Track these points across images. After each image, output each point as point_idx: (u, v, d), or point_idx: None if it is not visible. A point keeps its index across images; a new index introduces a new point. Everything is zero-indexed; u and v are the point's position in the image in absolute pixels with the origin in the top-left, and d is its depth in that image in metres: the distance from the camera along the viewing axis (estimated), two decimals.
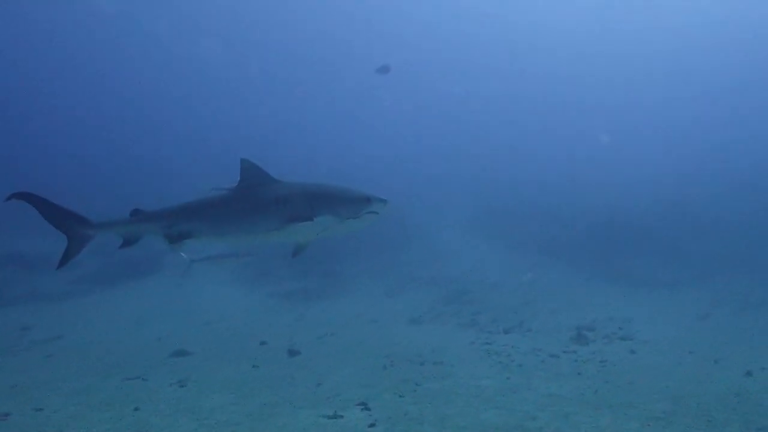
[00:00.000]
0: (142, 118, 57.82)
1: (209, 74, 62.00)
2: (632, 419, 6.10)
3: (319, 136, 53.77)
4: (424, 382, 7.80)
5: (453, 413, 6.33)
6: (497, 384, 7.64)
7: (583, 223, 20.90)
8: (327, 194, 6.91)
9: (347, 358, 9.40)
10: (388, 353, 9.65)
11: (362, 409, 6.54)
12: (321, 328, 12.05)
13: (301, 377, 8.26)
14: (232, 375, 8.45)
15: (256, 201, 6.93)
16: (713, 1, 56.78)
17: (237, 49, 61.21)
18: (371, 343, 10.55)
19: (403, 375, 8.20)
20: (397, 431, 5.82)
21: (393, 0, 61.34)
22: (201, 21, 58.48)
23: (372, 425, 5.98)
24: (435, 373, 8.26)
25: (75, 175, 35.90)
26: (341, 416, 6.28)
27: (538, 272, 17.91)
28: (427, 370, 8.53)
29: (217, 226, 7.03)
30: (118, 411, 6.74)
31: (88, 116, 56.25)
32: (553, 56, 58.73)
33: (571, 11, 61.44)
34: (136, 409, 6.79)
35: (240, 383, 7.90)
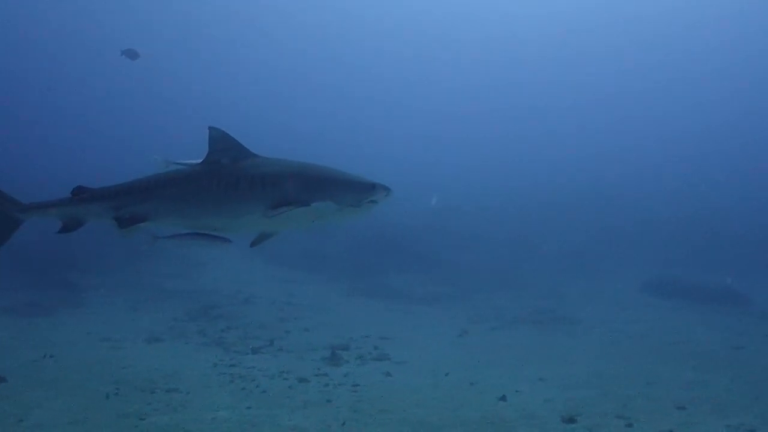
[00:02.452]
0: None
1: None
2: None
3: None
4: (150, 415, 6.84)
5: None
6: (235, 416, 6.87)
7: (345, 236, 20.79)
8: (327, 177, 6.06)
9: (64, 386, 8.11)
10: (116, 379, 8.50)
11: None
12: (39, 349, 10.50)
13: (0, 411, 6.94)
14: None
15: (236, 178, 5.88)
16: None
17: None
18: (97, 367, 9.28)
19: (127, 407, 7.16)
20: None
21: None
22: None
23: None
24: (165, 404, 7.32)
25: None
26: None
27: (296, 286, 17.43)
28: (158, 399, 7.55)
29: (181, 208, 5.98)
30: None
31: None
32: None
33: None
34: None
35: None
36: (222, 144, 6.08)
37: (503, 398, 7.80)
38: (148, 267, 18.42)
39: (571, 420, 6.90)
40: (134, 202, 6.01)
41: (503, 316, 15.26)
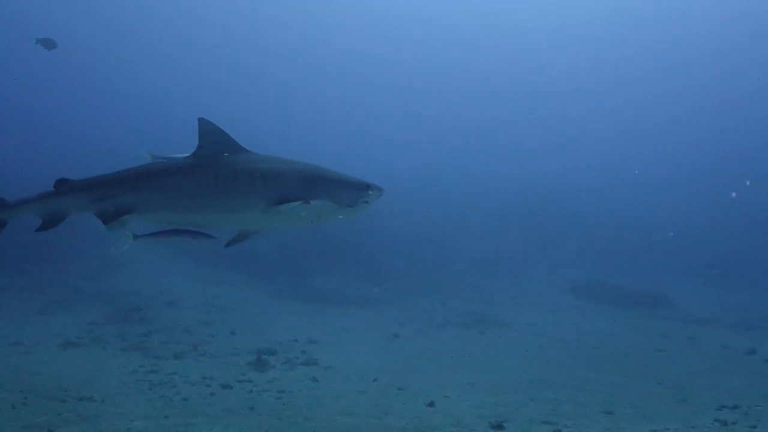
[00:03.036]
0: None
1: None
2: None
3: None
4: (59, 426, 6.45)
5: None
6: (152, 426, 6.54)
7: (275, 236, 20.44)
8: (325, 175, 6.03)
9: None
10: (25, 387, 8.03)
11: None
12: None
13: None
14: None
15: (233, 172, 5.74)
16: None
17: None
18: (5, 374, 8.79)
19: (34, 417, 6.75)
20: None
21: None
22: None
23: None
24: (77, 414, 6.92)
25: None
26: None
27: (222, 287, 17.04)
28: (69, 408, 7.15)
29: (172, 201, 5.73)
30: None
31: None
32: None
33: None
34: None
35: None
36: (212, 137, 5.91)
37: (431, 404, 7.67)
38: (63, 266, 17.70)
39: (499, 426, 6.81)
40: (119, 193, 5.72)
41: (434, 319, 15.23)
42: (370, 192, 6.12)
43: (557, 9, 61.80)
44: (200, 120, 5.93)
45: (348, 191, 6.04)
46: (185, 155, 6.03)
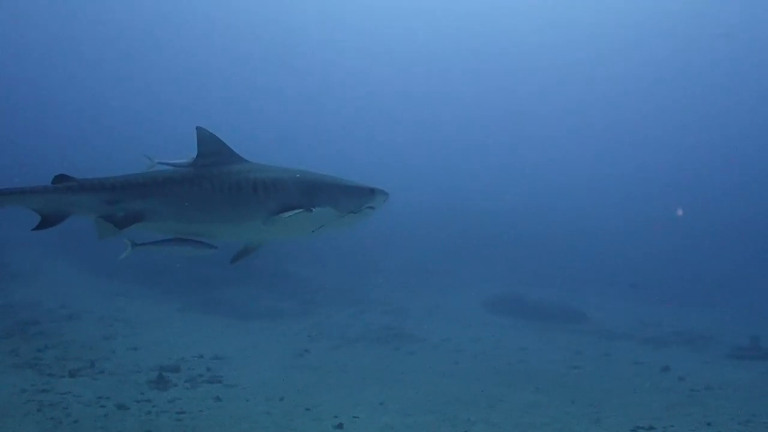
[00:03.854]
0: None
1: None
2: None
3: None
4: None
5: None
6: None
7: None
8: (327, 182, 6.01)
9: None
10: None
11: None
12: None
13: None
14: None
15: (236, 182, 5.71)
16: None
17: None
18: None
19: None
20: None
21: None
22: None
23: None
24: None
25: None
26: None
27: (126, 300, 16.44)
28: None
29: (183, 210, 5.62)
30: None
31: None
32: None
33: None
34: None
35: None
36: (211, 146, 5.90)
37: (339, 426, 7.49)
38: None
39: None
40: (130, 198, 5.57)
41: (346, 334, 15.04)
42: (375, 197, 6.12)
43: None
44: (198, 129, 5.88)
45: (351, 197, 6.02)
46: (184, 160, 5.95)
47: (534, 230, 30.51)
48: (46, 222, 5.57)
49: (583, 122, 63.83)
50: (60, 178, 5.59)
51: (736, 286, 27.74)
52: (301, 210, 5.67)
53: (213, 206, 5.70)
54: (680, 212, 33.80)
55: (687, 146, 60.49)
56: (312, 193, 5.85)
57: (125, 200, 5.59)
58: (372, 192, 6.14)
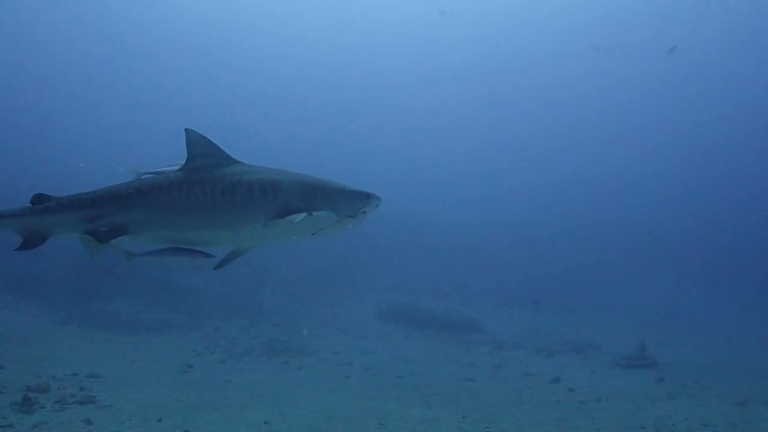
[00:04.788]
0: None
1: None
2: None
3: None
4: None
5: None
6: None
7: (61, 255, 18.96)
8: (325, 186, 5.85)
9: None
10: None
11: None
12: None
13: None
14: None
15: (230, 185, 5.48)
16: None
17: None
18: None
19: None
20: None
21: None
22: None
23: None
24: None
25: None
26: None
27: (2, 314, 15.53)
28: None
29: (169, 218, 5.42)
30: None
31: None
32: None
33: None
34: None
35: None
36: (201, 148, 5.69)
37: None
38: None
39: None
40: (111, 212, 5.39)
41: (234, 347, 14.64)
42: (370, 202, 6.05)
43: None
44: (187, 131, 5.67)
45: (349, 201, 5.91)
46: (173, 168, 5.73)
47: (431, 239, 30.68)
48: (28, 244, 5.46)
49: (486, 135, 65.29)
50: (38, 198, 5.47)
51: (622, 292, 28.73)
52: (304, 214, 5.52)
53: (206, 212, 5.49)
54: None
55: (581, 156, 62.63)
56: (311, 196, 5.72)
57: (108, 214, 5.42)
58: (367, 196, 6.04)
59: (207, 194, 5.51)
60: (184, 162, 5.79)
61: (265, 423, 8.63)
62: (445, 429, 8.83)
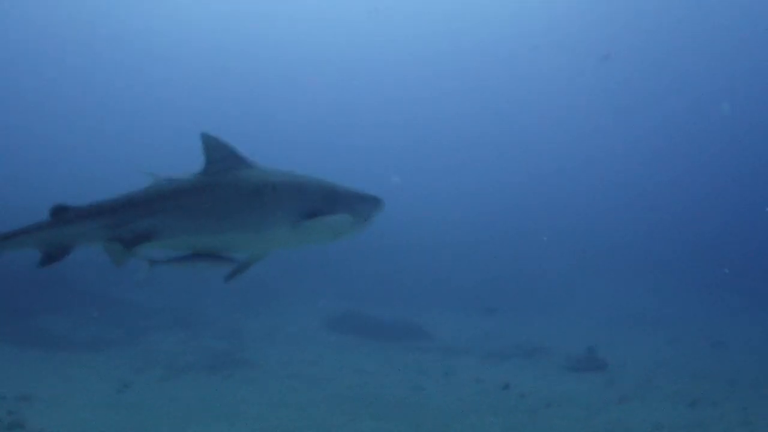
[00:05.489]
0: None
1: None
2: None
3: None
4: None
5: None
6: None
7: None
8: (341, 188, 5.75)
9: None
10: None
11: None
12: None
13: None
14: None
15: (255, 187, 5.35)
16: None
17: None
18: None
19: None
20: None
21: None
22: None
23: None
24: None
25: None
26: None
27: None
28: None
29: (196, 223, 5.26)
30: None
31: None
32: None
33: None
34: None
35: None
36: (219, 152, 5.56)
37: None
38: None
39: None
40: (134, 218, 5.20)
41: (174, 363, 14.17)
42: (380, 206, 5.99)
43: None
44: (203, 135, 5.54)
45: (363, 204, 5.82)
46: (192, 173, 5.62)
47: (377, 242, 30.43)
48: (50, 258, 5.30)
49: (433, 134, 65.71)
50: (58, 209, 5.28)
51: (573, 293, 28.91)
52: (329, 216, 5.46)
53: (231, 214, 5.34)
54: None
55: (525, 158, 63.28)
56: (333, 198, 5.62)
57: (129, 221, 5.23)
58: (376, 200, 5.95)
59: (232, 196, 5.39)
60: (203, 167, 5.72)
61: None
62: None
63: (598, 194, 54.67)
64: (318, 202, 5.54)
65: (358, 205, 5.79)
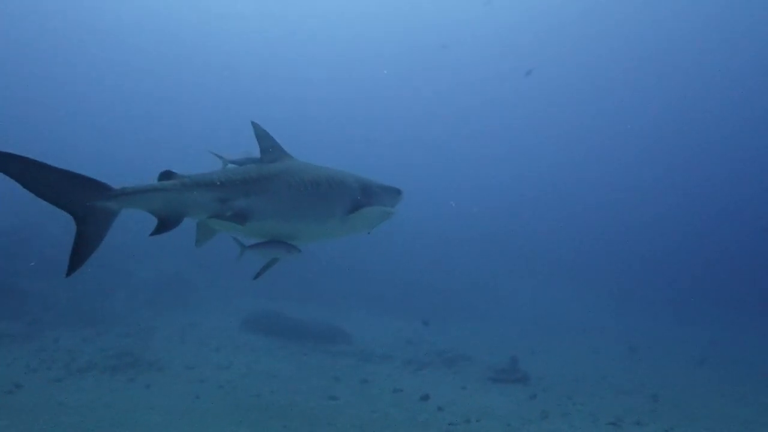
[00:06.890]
0: None
1: None
2: None
3: None
4: None
5: None
6: None
7: None
8: (374, 182, 6.03)
9: None
10: None
11: None
12: None
13: None
14: None
15: (314, 179, 5.53)
16: None
17: None
18: None
19: None
20: None
21: None
22: None
23: None
24: None
25: None
26: None
27: None
28: None
29: (278, 208, 5.30)
30: None
31: None
32: None
33: None
34: None
35: None
36: (268, 142, 5.72)
37: None
38: None
39: None
40: (237, 195, 5.20)
41: (74, 362, 13.40)
42: (400, 198, 6.22)
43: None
44: (254, 124, 5.65)
45: (390, 196, 6.06)
46: (242, 156, 6.00)
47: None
48: (165, 224, 5.14)
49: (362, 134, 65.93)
50: (168, 175, 5.17)
51: (497, 300, 28.94)
52: (372, 207, 5.66)
53: (303, 203, 5.45)
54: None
55: (455, 162, 63.81)
56: (368, 191, 5.83)
57: (235, 197, 5.23)
58: (400, 192, 6.20)
59: (302, 186, 5.48)
60: (254, 154, 5.97)
61: None
62: None
63: (527, 200, 55.42)
64: (359, 195, 5.74)
65: (386, 196, 6.04)
